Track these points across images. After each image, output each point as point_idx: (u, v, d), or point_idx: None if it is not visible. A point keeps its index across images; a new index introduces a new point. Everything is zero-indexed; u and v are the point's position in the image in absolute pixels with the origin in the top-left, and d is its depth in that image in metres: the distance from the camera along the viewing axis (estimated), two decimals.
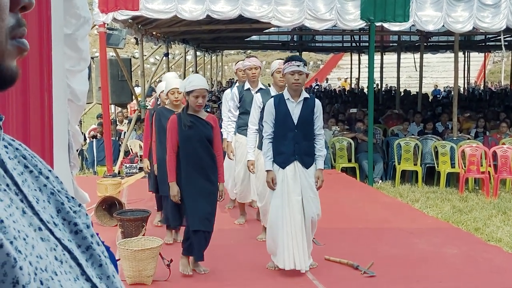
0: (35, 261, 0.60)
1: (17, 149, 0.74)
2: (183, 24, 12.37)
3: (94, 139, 11.14)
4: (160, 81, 7.47)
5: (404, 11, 9.14)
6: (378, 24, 9.39)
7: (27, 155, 0.75)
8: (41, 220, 0.67)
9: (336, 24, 9.32)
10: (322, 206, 4.94)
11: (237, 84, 6.85)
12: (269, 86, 6.02)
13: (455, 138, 10.22)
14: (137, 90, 14.17)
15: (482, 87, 27.91)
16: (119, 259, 4.47)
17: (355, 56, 25.62)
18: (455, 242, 5.85)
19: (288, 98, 4.75)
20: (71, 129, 3.00)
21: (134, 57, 24.36)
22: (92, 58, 9.32)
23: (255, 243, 5.73)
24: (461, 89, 23.52)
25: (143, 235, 5.31)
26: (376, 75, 15.32)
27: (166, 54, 15.10)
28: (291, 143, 4.73)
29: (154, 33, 12.86)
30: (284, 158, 4.74)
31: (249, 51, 35.10)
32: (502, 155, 9.01)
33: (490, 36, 16.49)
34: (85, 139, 11.23)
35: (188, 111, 4.67)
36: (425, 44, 15.23)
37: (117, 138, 11.70)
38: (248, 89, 6.22)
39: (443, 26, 9.39)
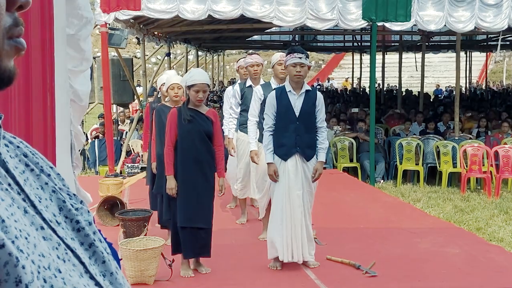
0: (38, 259, 0.60)
1: (18, 147, 0.74)
2: (184, 24, 12.39)
3: (96, 139, 11.15)
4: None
5: (406, 11, 9.14)
6: (379, 24, 9.39)
7: (28, 152, 0.74)
8: (43, 219, 0.67)
9: (338, 24, 9.33)
10: (324, 206, 4.96)
11: (238, 81, 6.84)
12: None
13: (456, 138, 10.21)
14: (139, 90, 14.19)
15: (484, 87, 27.86)
16: (121, 259, 4.48)
17: (357, 56, 25.60)
18: (457, 242, 5.85)
19: (290, 90, 4.75)
20: (74, 130, 3.00)
21: (136, 57, 24.36)
22: (94, 58, 9.35)
23: (256, 242, 5.73)
24: (463, 88, 23.48)
25: (145, 235, 5.32)
26: (378, 74, 15.29)
27: (168, 54, 15.11)
28: (292, 135, 4.72)
29: (155, 33, 12.86)
30: (285, 150, 4.74)
31: (250, 50, 35.16)
32: (504, 155, 9.00)
33: (492, 35, 16.48)
34: (87, 139, 11.24)
35: (189, 105, 4.65)
36: (427, 43, 15.20)
37: (119, 138, 11.71)
38: (250, 86, 6.19)
39: (445, 25, 9.38)
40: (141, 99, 12.13)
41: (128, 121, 13.25)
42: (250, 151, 5.55)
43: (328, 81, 35.19)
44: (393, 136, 11.15)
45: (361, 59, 24.36)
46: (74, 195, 0.77)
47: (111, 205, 6.47)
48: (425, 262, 5.20)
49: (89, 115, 15.48)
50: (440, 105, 17.58)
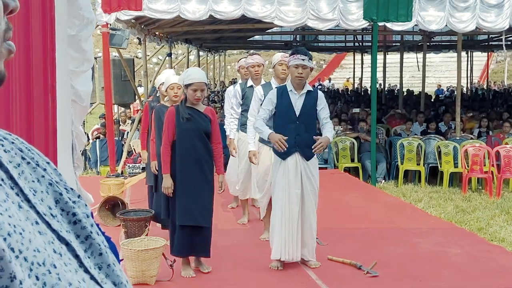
0: (32, 255, 0.60)
1: (12, 142, 0.74)
2: (186, 24, 12.39)
3: (97, 139, 11.16)
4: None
5: (407, 11, 9.14)
6: (381, 24, 9.38)
7: (24, 148, 0.74)
8: (37, 212, 0.67)
9: (339, 24, 9.33)
10: (325, 206, 4.96)
11: (239, 81, 6.83)
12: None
13: (458, 138, 10.21)
14: (140, 90, 14.20)
15: (485, 87, 27.85)
16: (122, 259, 4.48)
17: (358, 56, 25.59)
18: (458, 242, 5.85)
19: (291, 90, 4.77)
20: (75, 130, 3.00)
21: (137, 57, 24.40)
22: (95, 58, 9.35)
23: (257, 242, 5.73)
24: (464, 88, 23.48)
25: (146, 235, 5.32)
26: (379, 75, 15.33)
27: (169, 54, 15.11)
28: (292, 134, 4.73)
29: (157, 33, 12.87)
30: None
31: (251, 50, 35.17)
32: (505, 155, 9.00)
33: (493, 35, 16.46)
34: (88, 139, 11.25)
35: (186, 104, 4.64)
36: (428, 43, 15.20)
37: (120, 138, 11.72)
38: (251, 86, 6.18)
39: (446, 25, 9.38)
40: (142, 99, 12.14)
41: (129, 121, 13.26)
42: (249, 151, 5.54)
43: (330, 81, 35.19)
44: (394, 136, 11.14)
45: (362, 59, 24.35)
46: (72, 189, 0.77)
47: (113, 205, 6.48)
48: (426, 262, 5.20)
49: (91, 115, 15.49)
50: (441, 105, 17.58)
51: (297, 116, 4.74)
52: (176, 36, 15.08)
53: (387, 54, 20.13)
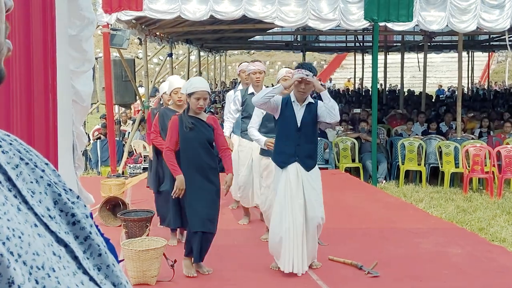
0: (31, 259, 0.60)
1: (11, 143, 0.73)
2: (186, 25, 12.39)
3: (98, 140, 11.17)
4: (164, 81, 7.48)
5: (408, 11, 9.13)
6: (381, 24, 9.38)
7: (22, 149, 0.74)
8: (35, 214, 0.67)
9: (340, 24, 9.33)
10: (326, 206, 4.95)
11: (240, 86, 6.80)
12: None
13: (459, 138, 10.20)
14: (141, 91, 14.20)
15: (486, 87, 27.84)
16: (123, 260, 4.49)
17: (359, 56, 25.59)
18: (459, 242, 5.85)
19: (294, 101, 4.82)
20: (76, 130, 3.00)
21: (137, 57, 24.41)
22: (96, 58, 9.35)
23: (258, 243, 5.73)
24: (465, 89, 23.47)
25: (147, 235, 5.32)
26: (380, 75, 15.30)
27: (170, 55, 15.12)
28: (292, 144, 4.78)
29: (157, 33, 12.87)
30: (284, 158, 4.80)
31: (252, 51, 35.13)
32: (506, 155, 8.99)
33: (494, 35, 16.45)
34: (89, 140, 11.26)
35: (189, 113, 4.69)
36: (429, 44, 15.19)
37: (121, 138, 11.72)
38: (252, 93, 6.11)
39: (447, 26, 9.37)
40: (143, 99, 12.14)
41: (130, 121, 13.28)
42: (264, 141, 5.30)
43: (330, 81, 35.19)
44: (395, 136, 11.14)
45: (363, 59, 24.35)
46: (70, 189, 0.77)
47: (113, 206, 6.48)
48: (427, 262, 5.20)
49: (92, 115, 15.50)
50: (442, 105, 17.58)
51: (298, 126, 4.79)
52: (177, 37, 15.09)
53: (388, 54, 20.11)
